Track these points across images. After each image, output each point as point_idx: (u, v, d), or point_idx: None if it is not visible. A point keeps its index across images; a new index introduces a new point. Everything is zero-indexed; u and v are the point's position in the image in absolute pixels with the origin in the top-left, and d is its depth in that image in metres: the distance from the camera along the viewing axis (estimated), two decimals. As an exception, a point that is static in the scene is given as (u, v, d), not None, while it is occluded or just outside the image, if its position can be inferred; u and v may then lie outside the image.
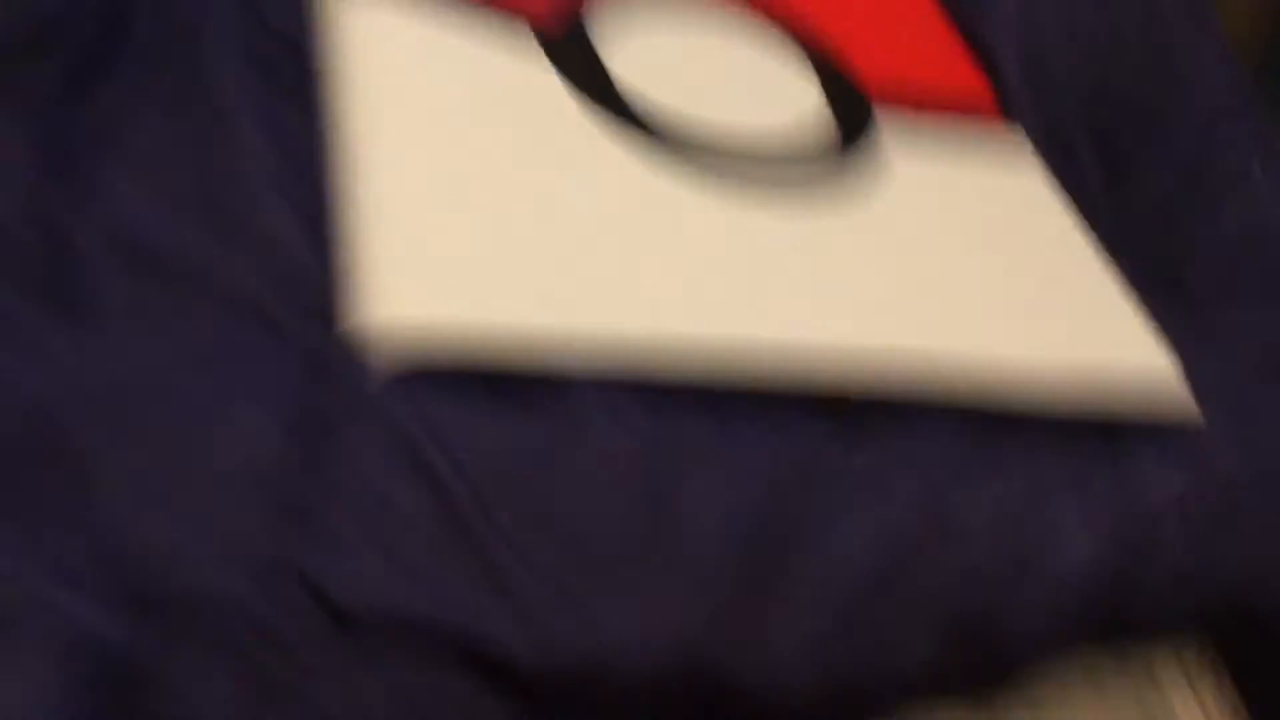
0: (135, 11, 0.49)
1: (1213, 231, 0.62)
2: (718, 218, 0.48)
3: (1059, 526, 0.46)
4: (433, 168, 0.45)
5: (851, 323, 0.45)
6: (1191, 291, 0.60)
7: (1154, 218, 0.62)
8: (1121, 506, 0.47)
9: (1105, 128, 0.63)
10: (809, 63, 0.59)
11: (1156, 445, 0.49)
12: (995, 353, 0.46)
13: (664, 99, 0.52)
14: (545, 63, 0.51)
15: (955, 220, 0.53)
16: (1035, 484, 0.46)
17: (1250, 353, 0.56)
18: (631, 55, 0.54)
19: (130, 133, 0.46)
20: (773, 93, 0.56)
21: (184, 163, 0.44)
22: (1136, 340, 0.50)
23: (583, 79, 0.51)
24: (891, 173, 0.54)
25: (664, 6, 0.58)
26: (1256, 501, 0.50)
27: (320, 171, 0.45)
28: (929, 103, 0.59)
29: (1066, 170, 0.62)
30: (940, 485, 0.45)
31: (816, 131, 0.55)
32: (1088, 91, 0.64)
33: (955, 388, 0.45)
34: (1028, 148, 0.59)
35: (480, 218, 0.44)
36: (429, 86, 0.48)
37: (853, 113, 0.56)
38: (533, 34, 0.53)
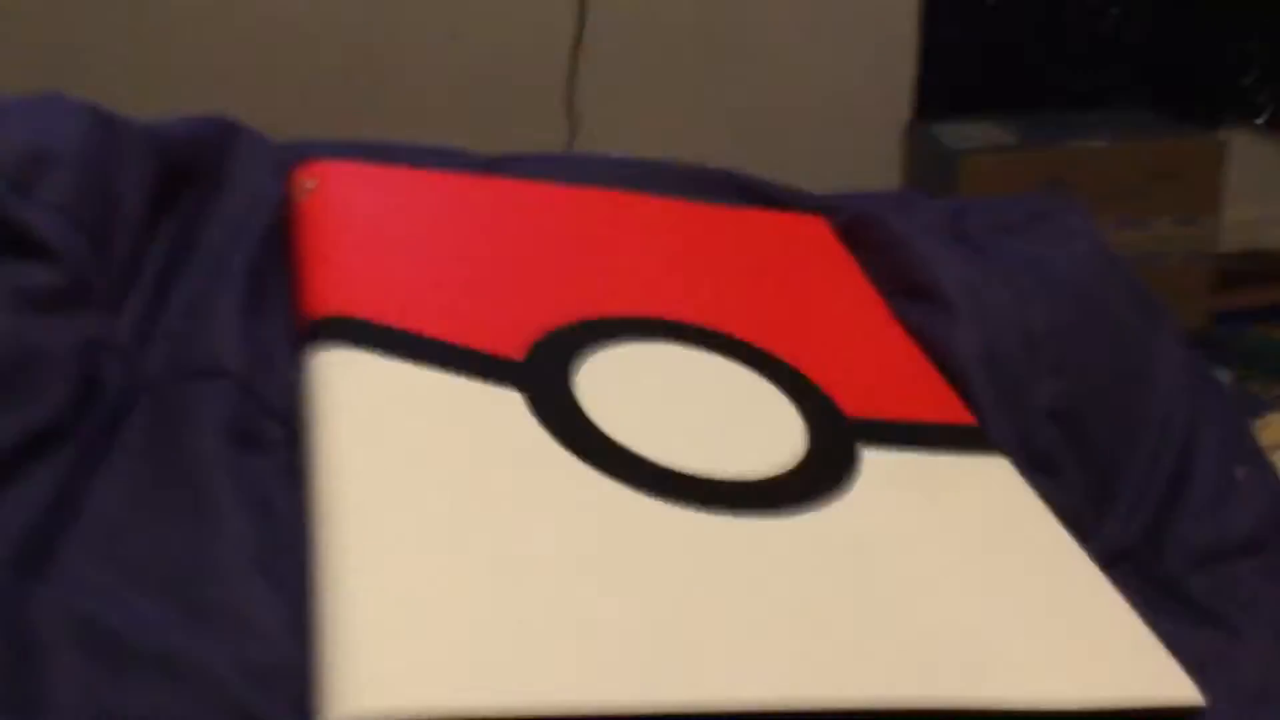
0: (131, 416, 0.49)
1: (1212, 542, 0.62)
2: (707, 550, 0.47)
3: None
4: (411, 526, 0.44)
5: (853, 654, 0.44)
6: (1198, 604, 0.59)
7: (1147, 535, 0.62)
8: None
9: (1082, 445, 0.63)
10: (784, 384, 0.60)
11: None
12: (995, 666, 0.45)
13: (632, 432, 0.53)
14: (521, 405, 0.52)
15: (939, 539, 0.53)
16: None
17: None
18: (598, 384, 0.55)
19: (99, 512, 0.45)
20: (746, 418, 0.56)
21: (158, 544, 0.43)
22: (1137, 643, 0.49)
23: (558, 416, 0.52)
24: (873, 493, 0.53)
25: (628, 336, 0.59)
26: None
27: (308, 550, 0.44)
28: (907, 414, 0.60)
29: (1054, 491, 0.62)
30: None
31: (796, 453, 0.55)
32: (1060, 404, 0.65)
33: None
34: (1006, 458, 0.59)
35: (466, 585, 0.43)
36: (404, 434, 0.49)
37: (832, 435, 0.56)
38: (508, 368, 0.54)
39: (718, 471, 0.51)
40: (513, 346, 0.55)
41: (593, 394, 0.54)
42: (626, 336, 0.59)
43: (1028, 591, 0.50)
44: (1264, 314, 2.03)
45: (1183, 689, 0.47)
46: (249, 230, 0.58)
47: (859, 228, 0.74)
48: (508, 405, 0.51)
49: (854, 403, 0.59)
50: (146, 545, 0.43)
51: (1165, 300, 0.74)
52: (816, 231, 0.75)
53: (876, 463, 0.56)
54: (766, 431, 0.56)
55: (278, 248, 0.60)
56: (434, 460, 0.47)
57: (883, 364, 0.64)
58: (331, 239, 0.58)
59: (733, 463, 0.53)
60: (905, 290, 0.69)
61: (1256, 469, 0.66)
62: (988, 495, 0.56)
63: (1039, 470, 0.62)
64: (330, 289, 0.55)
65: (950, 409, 0.61)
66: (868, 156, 2.15)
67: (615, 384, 0.55)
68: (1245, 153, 2.09)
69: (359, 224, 0.60)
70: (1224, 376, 1.51)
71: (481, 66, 2.03)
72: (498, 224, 0.64)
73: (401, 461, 0.47)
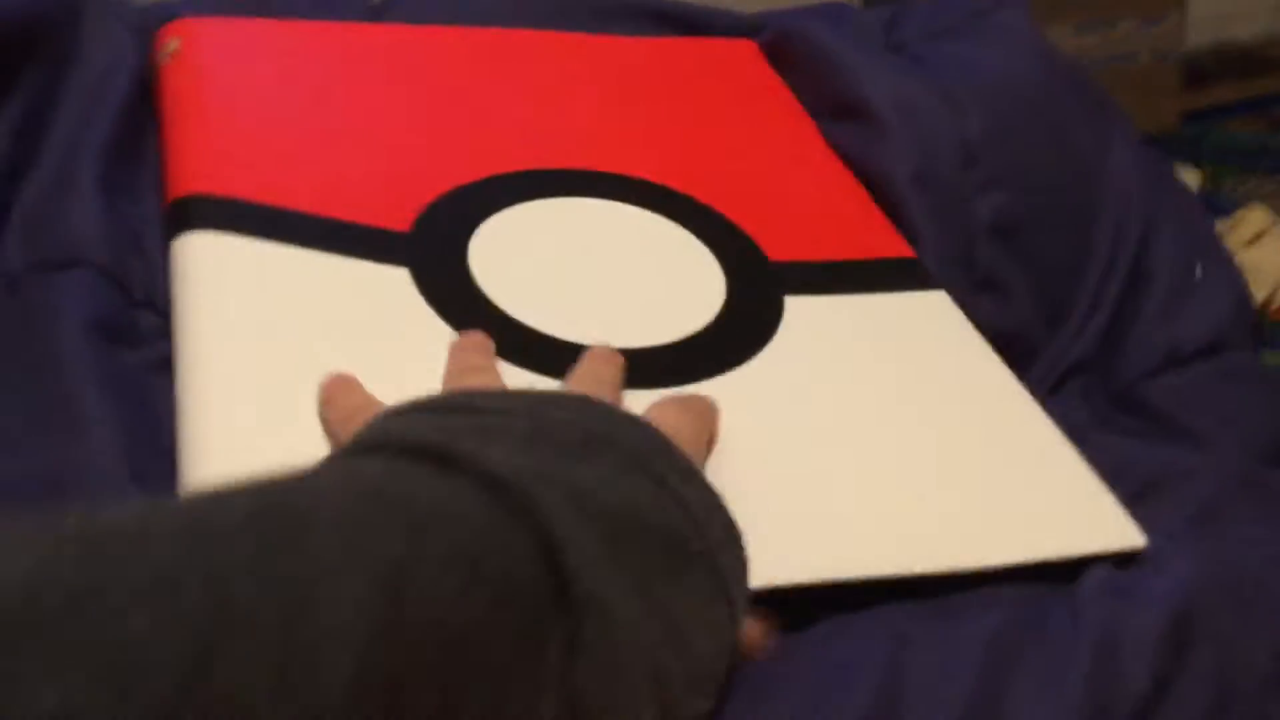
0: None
1: (1171, 347, 0.59)
2: None
3: None
4: (266, 409, 0.41)
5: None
6: (1156, 412, 0.56)
7: (1102, 345, 0.58)
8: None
9: (1029, 259, 0.60)
10: (704, 232, 0.55)
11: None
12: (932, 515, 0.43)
13: (527, 294, 0.49)
14: (407, 282, 0.47)
15: (864, 371, 0.49)
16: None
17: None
18: (494, 248, 0.51)
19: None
20: (660, 277, 0.52)
21: (18, 460, 0.40)
22: (1077, 486, 0.46)
23: (446, 292, 0.48)
24: (793, 348, 0.50)
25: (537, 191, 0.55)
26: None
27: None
28: (837, 254, 0.56)
29: (1003, 311, 0.59)
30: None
31: (713, 311, 0.51)
32: (1003, 218, 0.61)
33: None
34: (941, 291, 0.55)
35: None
36: (271, 327, 0.44)
37: (754, 285, 0.52)
38: (394, 241, 0.49)
39: (624, 341, 0.47)
40: (400, 217, 0.50)
41: (488, 263, 0.49)
42: (528, 194, 0.54)
43: (962, 442, 0.47)
44: (1235, 109, 1.97)
45: (1125, 534, 0.44)
46: (105, 102, 0.53)
47: (784, 44, 0.69)
48: (391, 284, 0.47)
49: (781, 245, 0.55)
50: (4, 461, 0.40)
51: (1135, 101, 0.69)
52: (743, 57, 0.70)
53: (800, 312, 0.51)
54: (682, 289, 0.51)
55: (145, 119, 0.55)
56: (301, 352, 0.43)
57: (813, 199, 0.59)
58: (195, 107, 0.54)
59: (641, 330, 0.48)
60: (833, 110, 0.64)
61: (1216, 265, 0.63)
62: (919, 339, 0.52)
63: (985, 291, 0.59)
64: (192, 164, 0.50)
65: (885, 241, 0.57)
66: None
67: (514, 250, 0.51)
68: (1209, -59, 2.01)
69: (225, 88, 0.55)
70: (1196, 175, 1.47)
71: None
72: (382, 78, 0.59)
73: (266, 356, 0.43)
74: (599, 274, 0.51)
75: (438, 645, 0.26)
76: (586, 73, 0.64)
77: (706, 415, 0.43)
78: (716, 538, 0.33)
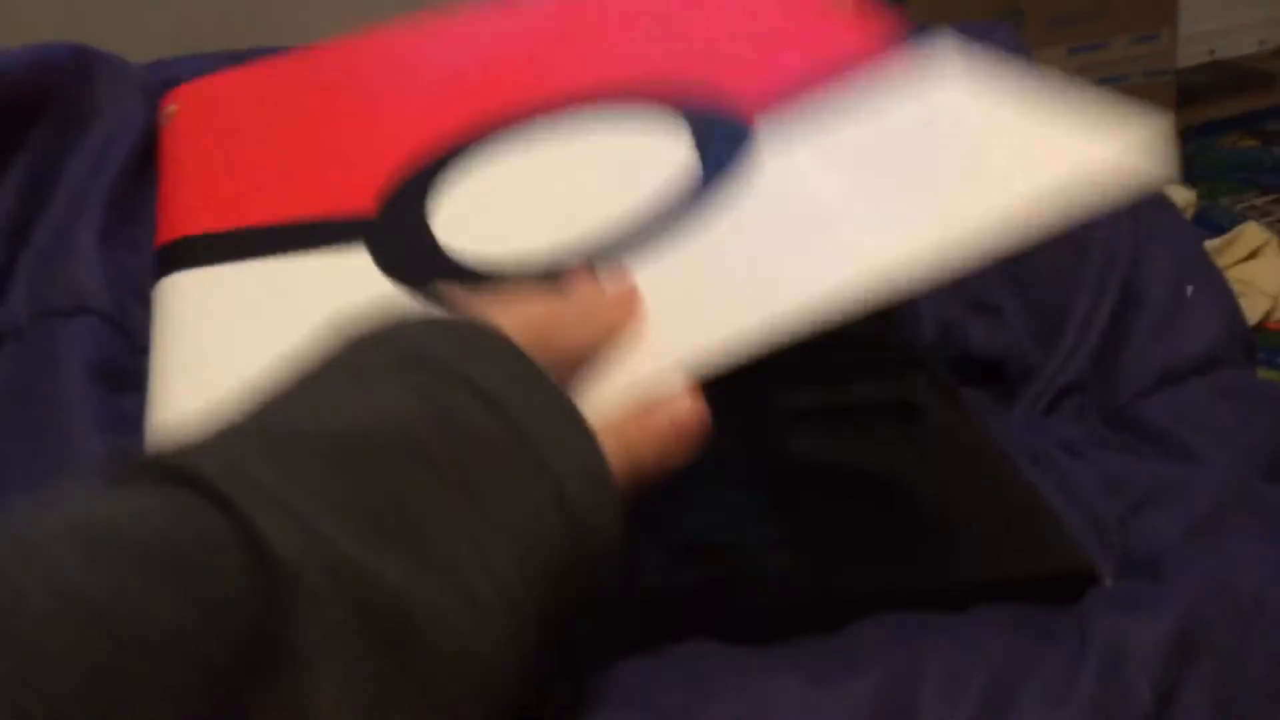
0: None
1: (1165, 364, 0.59)
2: None
3: None
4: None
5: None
6: (1152, 429, 0.57)
7: (1096, 364, 0.59)
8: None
9: (1021, 279, 0.60)
10: (678, 118, 0.53)
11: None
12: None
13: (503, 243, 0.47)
14: (368, 262, 0.47)
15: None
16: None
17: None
18: (462, 207, 0.50)
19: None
20: (630, 193, 0.49)
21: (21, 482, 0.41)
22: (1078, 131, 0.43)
23: (409, 264, 0.47)
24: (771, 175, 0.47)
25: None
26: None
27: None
28: (814, 85, 0.52)
29: (997, 331, 0.59)
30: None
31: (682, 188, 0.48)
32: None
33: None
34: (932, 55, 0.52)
35: None
36: (228, 339, 0.44)
37: (724, 147, 0.50)
38: (357, 226, 0.49)
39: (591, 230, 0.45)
40: (365, 201, 0.50)
41: (455, 226, 0.48)
42: (488, 150, 0.52)
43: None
44: (1229, 125, 1.98)
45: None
46: (110, 159, 0.54)
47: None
48: (351, 267, 0.46)
49: (761, 98, 0.52)
50: (7, 500, 0.41)
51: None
52: None
53: (774, 156, 0.48)
54: (652, 189, 0.48)
55: (149, 178, 0.56)
56: (258, 358, 0.43)
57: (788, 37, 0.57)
58: (179, 163, 0.55)
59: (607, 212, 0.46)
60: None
61: (1207, 284, 0.63)
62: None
63: (978, 313, 0.60)
64: (170, 214, 0.51)
65: (872, 44, 0.53)
66: None
67: (481, 208, 0.49)
68: (1197, -39, 2.03)
69: (208, 140, 0.56)
70: (1191, 193, 1.47)
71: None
72: (341, 85, 0.59)
73: (224, 372, 0.43)
74: (565, 212, 0.49)
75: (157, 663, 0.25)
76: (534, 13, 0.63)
77: (592, 308, 0.39)
78: (542, 431, 0.31)
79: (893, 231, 0.40)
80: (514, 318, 0.35)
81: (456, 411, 0.30)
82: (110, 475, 0.29)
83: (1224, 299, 0.63)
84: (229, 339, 0.44)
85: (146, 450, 0.29)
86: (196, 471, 0.27)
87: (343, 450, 0.29)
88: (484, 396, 0.31)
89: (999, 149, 0.44)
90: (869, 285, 0.38)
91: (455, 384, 0.31)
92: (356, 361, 0.32)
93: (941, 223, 0.39)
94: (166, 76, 0.62)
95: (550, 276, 0.44)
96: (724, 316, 0.39)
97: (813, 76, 0.52)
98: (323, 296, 0.45)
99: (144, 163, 0.57)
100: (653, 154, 0.50)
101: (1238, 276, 1.39)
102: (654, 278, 0.42)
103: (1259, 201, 1.75)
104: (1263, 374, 1.31)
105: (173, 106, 0.59)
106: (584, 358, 0.37)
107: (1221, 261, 1.39)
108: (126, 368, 0.46)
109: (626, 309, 0.39)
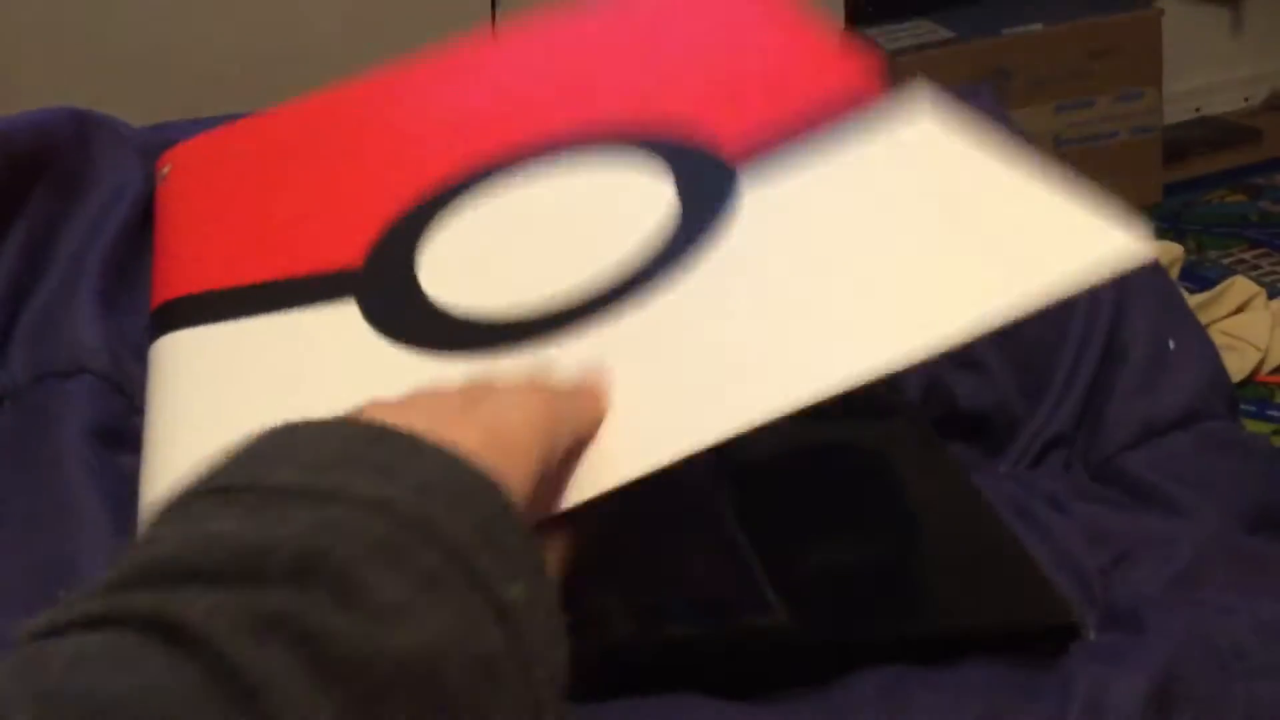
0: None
1: (1148, 418, 0.60)
2: None
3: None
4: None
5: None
6: (1136, 482, 0.57)
7: (1080, 418, 0.60)
8: None
9: (1006, 336, 0.61)
10: (657, 158, 0.53)
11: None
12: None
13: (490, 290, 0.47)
14: (356, 314, 0.47)
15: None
16: None
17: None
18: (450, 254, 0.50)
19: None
20: (613, 234, 0.49)
21: (19, 556, 0.41)
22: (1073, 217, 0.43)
23: (394, 314, 0.47)
24: (756, 223, 0.47)
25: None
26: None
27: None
28: (798, 128, 0.52)
29: (983, 388, 0.60)
30: None
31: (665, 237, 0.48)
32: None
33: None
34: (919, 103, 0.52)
35: None
36: (217, 397, 0.45)
37: (705, 196, 0.50)
38: (345, 280, 0.49)
39: (574, 289, 0.46)
40: (355, 253, 0.50)
41: (441, 276, 0.48)
42: (474, 197, 0.53)
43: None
44: (1216, 180, 2.00)
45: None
46: (108, 223, 0.55)
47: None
48: (342, 323, 0.47)
49: (741, 140, 0.52)
50: (7, 559, 0.41)
51: (1117, 177, 0.71)
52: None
53: (757, 204, 0.48)
54: (636, 236, 0.48)
55: (146, 240, 0.57)
56: (249, 417, 0.43)
57: (772, 72, 0.57)
58: (175, 223, 0.56)
59: (591, 270, 0.46)
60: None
61: (1189, 337, 0.64)
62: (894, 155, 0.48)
63: (965, 369, 0.61)
64: (163, 276, 0.52)
65: (853, 87, 0.53)
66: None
67: (466, 257, 0.49)
68: (1181, 22, 2.05)
69: (200, 199, 0.57)
70: (1178, 249, 1.49)
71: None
72: (329, 135, 0.59)
73: (216, 431, 0.43)
74: (548, 254, 0.49)
75: None
76: (531, 50, 0.63)
77: (586, 400, 0.39)
78: (462, 536, 0.29)
79: (863, 326, 0.41)
80: (525, 412, 0.35)
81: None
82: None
83: (1205, 353, 0.64)
84: (222, 398, 0.45)
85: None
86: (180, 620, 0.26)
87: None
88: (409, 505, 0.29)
89: (977, 231, 0.44)
90: (843, 376, 0.38)
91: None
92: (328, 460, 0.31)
93: (914, 317, 0.40)
94: (167, 139, 0.63)
95: (537, 356, 0.44)
96: (697, 404, 0.39)
97: (796, 119, 0.52)
98: (313, 353, 0.46)
99: (143, 225, 0.58)
100: (636, 199, 0.51)
101: (1227, 330, 1.40)
102: (628, 355, 0.42)
103: (1247, 255, 1.77)
104: (1253, 426, 1.31)
105: (166, 168, 0.60)
106: (579, 450, 0.38)
107: (1210, 315, 1.39)
108: (124, 427, 0.47)
109: (604, 399, 0.40)
